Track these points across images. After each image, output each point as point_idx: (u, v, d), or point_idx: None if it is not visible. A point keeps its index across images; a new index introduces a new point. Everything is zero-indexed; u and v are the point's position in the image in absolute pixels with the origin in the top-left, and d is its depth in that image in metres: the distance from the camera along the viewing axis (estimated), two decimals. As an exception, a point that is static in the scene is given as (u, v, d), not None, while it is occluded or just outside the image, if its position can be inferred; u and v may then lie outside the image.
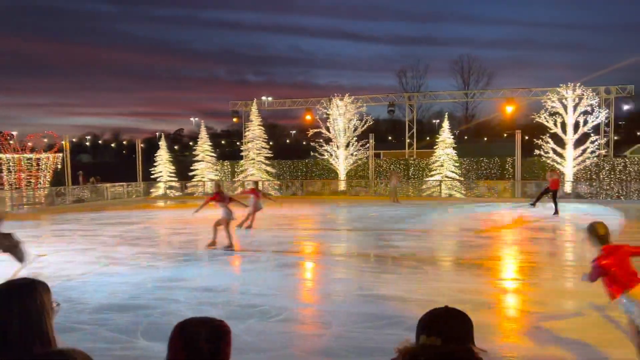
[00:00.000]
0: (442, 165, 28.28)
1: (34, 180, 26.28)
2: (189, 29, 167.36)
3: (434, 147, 29.34)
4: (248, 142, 31.41)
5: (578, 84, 25.60)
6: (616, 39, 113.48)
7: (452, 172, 28.25)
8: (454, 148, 28.75)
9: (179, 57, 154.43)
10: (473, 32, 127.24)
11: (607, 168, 26.44)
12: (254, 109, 31.55)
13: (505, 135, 55.69)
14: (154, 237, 14.88)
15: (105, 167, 53.75)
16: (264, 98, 36.91)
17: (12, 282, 1.68)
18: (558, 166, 25.55)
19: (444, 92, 38.85)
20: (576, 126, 25.56)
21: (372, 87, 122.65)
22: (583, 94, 25.37)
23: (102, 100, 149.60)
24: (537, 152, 26.00)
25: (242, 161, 31.93)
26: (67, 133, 29.92)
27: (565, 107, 25.67)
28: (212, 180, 32.05)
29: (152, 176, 32.37)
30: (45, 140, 29.94)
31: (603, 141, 28.11)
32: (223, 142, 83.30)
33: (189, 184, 32.17)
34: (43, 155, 26.81)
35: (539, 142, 25.73)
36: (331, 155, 29.85)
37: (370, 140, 29.51)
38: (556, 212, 17.82)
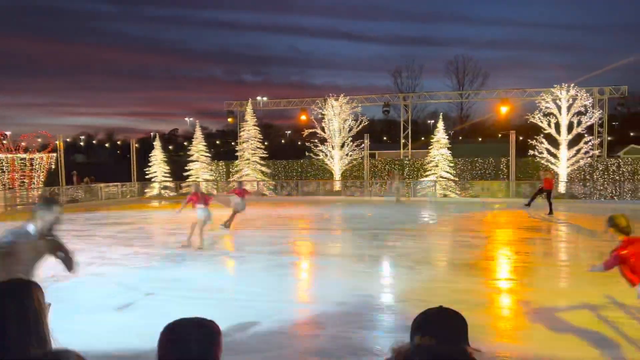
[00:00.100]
0: (436, 166, 28.33)
1: (28, 180, 26.16)
2: (186, 28, 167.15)
3: (429, 148, 29.39)
4: (243, 142, 31.37)
5: (572, 85, 25.74)
6: (610, 40, 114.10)
7: (447, 172, 28.31)
8: (448, 148, 28.81)
9: (175, 57, 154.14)
10: (468, 32, 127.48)
11: (600, 168, 26.58)
12: (249, 109, 31.51)
13: (499, 135, 55.92)
14: (149, 237, 14.83)
15: (100, 167, 53.55)
16: (259, 98, 36.90)
17: (9, 282, 1.68)
18: (552, 166, 25.67)
19: (439, 93, 38.97)
20: (570, 127, 25.69)
21: (368, 88, 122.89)
22: (577, 95, 25.52)
23: (97, 100, 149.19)
24: (531, 152, 26.13)
25: (237, 161, 31.88)
26: (61, 133, 29.80)
27: (559, 108, 25.81)
28: (207, 180, 32.03)
29: (146, 176, 32.28)
30: (39, 140, 29.78)
31: (597, 142, 28.25)
32: (218, 142, 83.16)
33: (183, 184, 32.08)
34: (37, 155, 26.69)
35: (533, 142, 25.85)
36: (326, 155, 29.87)
37: (365, 141, 29.53)
38: (550, 212, 17.90)
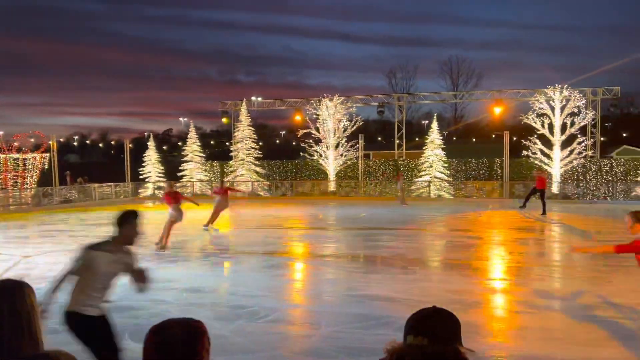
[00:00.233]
0: (431, 166, 28.40)
1: (21, 180, 25.97)
2: (180, 28, 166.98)
3: (423, 148, 29.46)
4: (237, 143, 31.32)
5: (565, 86, 25.88)
6: (603, 41, 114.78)
7: (441, 172, 28.39)
8: (442, 149, 28.89)
9: (169, 57, 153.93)
10: (462, 33, 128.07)
11: (593, 169, 26.74)
12: (243, 109, 31.48)
13: (493, 136, 56.09)
14: (142, 238, 14.75)
15: (93, 167, 53.29)
16: (253, 98, 36.86)
17: (1, 283, 1.67)
18: (545, 167, 25.79)
19: (433, 93, 39.09)
20: (563, 127, 25.83)
21: (363, 88, 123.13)
22: (570, 96, 25.65)
23: (91, 99, 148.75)
24: (524, 153, 26.25)
25: (231, 161, 31.83)
26: (54, 133, 29.65)
27: (552, 109, 25.94)
28: (201, 180, 31.97)
29: (140, 176, 32.16)
30: (32, 140, 29.59)
31: (590, 142, 28.43)
32: (212, 142, 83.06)
33: (177, 184, 32.00)
34: (30, 155, 26.50)
35: (527, 143, 25.96)
36: (321, 155, 29.87)
37: (360, 141, 29.56)
38: (544, 212, 17.97)
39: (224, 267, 10.46)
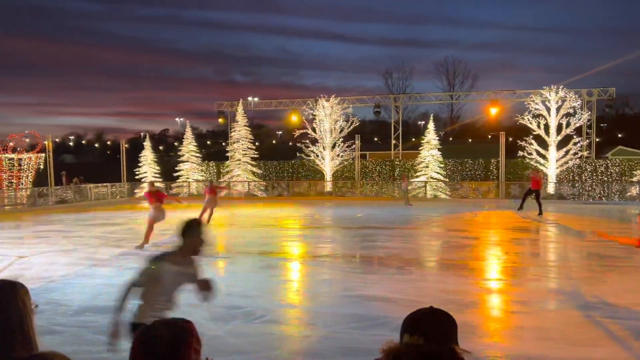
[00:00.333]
0: (427, 167, 28.45)
1: (16, 180, 25.87)
2: (175, 28, 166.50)
3: (420, 149, 29.51)
4: (234, 143, 31.29)
5: (561, 87, 25.99)
6: (599, 42, 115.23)
7: (437, 173, 28.44)
8: (439, 149, 28.95)
9: (164, 57, 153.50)
10: (458, 34, 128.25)
11: (589, 169, 26.85)
12: (239, 110, 31.46)
13: (489, 136, 56.22)
14: (138, 238, 14.71)
15: (89, 167, 53.17)
16: (250, 99, 36.86)
17: None
18: (541, 167, 25.87)
19: (430, 94, 39.15)
20: (559, 128, 25.93)
21: (359, 89, 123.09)
22: (566, 97, 25.75)
23: (86, 99, 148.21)
24: (520, 153, 26.33)
25: (227, 162, 31.80)
26: (49, 133, 29.48)
27: (548, 109, 26.04)
28: (197, 181, 31.91)
29: (136, 177, 32.10)
30: (27, 140, 29.50)
31: (585, 143, 28.53)
32: (209, 142, 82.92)
33: (173, 185, 31.96)
34: (25, 156, 26.41)
35: (523, 143, 26.04)
36: (317, 156, 29.87)
37: (356, 141, 29.58)
38: (540, 212, 18.02)
39: (219, 267, 10.44)
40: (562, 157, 25.90)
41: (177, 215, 18.93)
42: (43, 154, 27.10)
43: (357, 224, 16.87)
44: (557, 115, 25.89)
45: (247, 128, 31.57)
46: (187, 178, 31.87)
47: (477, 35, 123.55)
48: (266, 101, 37.33)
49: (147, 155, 32.52)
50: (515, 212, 19.17)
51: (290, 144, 57.45)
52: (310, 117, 30.24)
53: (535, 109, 26.02)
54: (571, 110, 25.69)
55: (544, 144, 26.24)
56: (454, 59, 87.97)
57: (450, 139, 66.98)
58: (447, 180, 28.75)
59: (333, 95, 30.04)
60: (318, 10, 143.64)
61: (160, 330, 1.30)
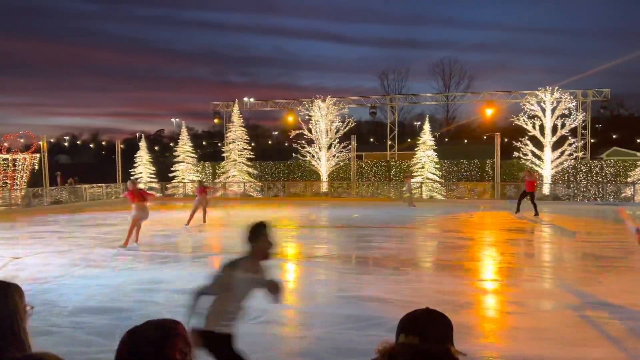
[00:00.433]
0: (423, 167, 28.49)
1: (10, 181, 25.74)
2: (171, 28, 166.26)
3: (415, 149, 29.55)
4: (230, 143, 31.25)
5: (556, 88, 26.08)
6: (594, 44, 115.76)
7: (433, 173, 28.48)
8: (434, 150, 28.99)
9: (160, 57, 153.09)
10: (454, 35, 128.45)
11: (584, 170, 26.95)
12: (235, 110, 31.41)
13: (485, 137, 56.36)
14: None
15: (84, 168, 52.99)
16: (245, 99, 36.80)
17: None
18: (537, 168, 25.96)
19: (425, 95, 39.22)
20: (554, 129, 26.02)
21: (355, 89, 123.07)
22: (561, 98, 25.84)
23: (82, 100, 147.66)
24: (516, 154, 26.40)
25: (223, 162, 31.76)
26: (44, 133, 29.39)
27: (543, 110, 26.12)
28: (193, 181, 31.85)
29: (131, 177, 32.00)
30: (22, 140, 29.33)
31: (580, 144, 28.64)
32: (204, 143, 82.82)
33: (169, 185, 31.89)
34: (20, 156, 26.28)
35: (518, 144, 26.13)
36: (313, 156, 29.86)
37: (352, 142, 29.60)
38: (536, 213, 18.06)
39: (215, 267, 10.42)
40: (558, 158, 25.99)
41: (173, 216, 18.95)
42: (38, 155, 26.97)
43: (353, 225, 16.87)
44: (552, 116, 25.98)
45: (243, 128, 31.53)
46: (183, 179, 31.80)
47: (473, 36, 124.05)
48: (262, 102, 37.31)
49: (143, 156, 32.43)
50: (512, 214, 19.21)
51: (286, 144, 57.45)
52: (306, 117, 30.23)
53: (531, 110, 26.11)
54: (566, 112, 25.78)
55: (539, 144, 26.32)
56: (449, 60, 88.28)
57: (446, 139, 67.08)
58: (443, 181, 28.79)
59: (329, 96, 30.07)
60: (315, 11, 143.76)
61: (146, 331, 1.29)
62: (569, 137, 25.81)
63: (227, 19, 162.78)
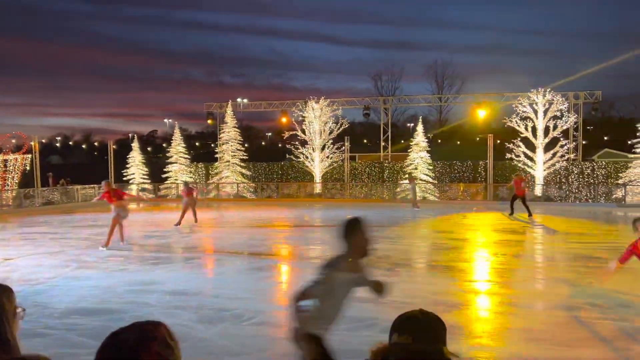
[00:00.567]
0: (416, 169, 28.55)
1: (1, 182, 25.56)
2: (165, 29, 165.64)
3: (409, 151, 29.62)
4: (223, 144, 31.18)
5: (548, 90, 26.23)
6: (585, 46, 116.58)
7: (426, 174, 28.56)
8: (427, 151, 29.07)
9: (153, 58, 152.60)
10: (447, 37, 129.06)
11: (575, 172, 27.12)
12: (229, 111, 31.35)
13: (477, 139, 56.59)
14: (125, 239, 14.61)
15: (76, 168, 52.68)
16: (239, 100, 36.76)
17: None
18: (529, 169, 26.11)
19: (419, 96, 39.30)
20: (546, 130, 26.17)
21: (348, 90, 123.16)
22: (553, 99, 25.99)
23: (74, 100, 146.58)
24: (508, 155, 26.53)
25: (216, 163, 31.68)
26: (36, 134, 29.22)
27: (535, 112, 26.26)
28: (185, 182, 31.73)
29: (124, 178, 31.87)
30: (14, 141, 29.16)
31: (572, 145, 28.82)
32: (197, 144, 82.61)
33: (162, 186, 31.76)
34: (11, 157, 26.09)
35: (511, 146, 26.25)
36: (307, 157, 29.86)
37: (346, 143, 29.62)
38: (530, 214, 18.13)
39: (208, 269, 10.39)
40: (550, 160, 26.14)
41: (165, 217, 18.88)
42: (29, 155, 26.80)
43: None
44: (544, 118, 26.13)
45: (237, 129, 31.48)
46: (176, 179, 31.69)
47: (466, 38, 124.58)
48: (255, 102, 37.26)
49: (135, 157, 32.30)
50: (505, 215, 19.28)
51: (280, 145, 57.42)
52: (300, 118, 30.24)
53: (523, 112, 26.25)
54: (558, 113, 25.94)
55: (531, 146, 26.46)
56: (442, 62, 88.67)
57: (439, 141, 67.33)
58: (436, 182, 28.88)
59: (322, 97, 30.08)
60: (309, 12, 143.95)
61: (125, 334, 1.27)
62: (561, 139, 25.97)
63: (221, 20, 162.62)
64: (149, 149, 73.70)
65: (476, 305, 7.49)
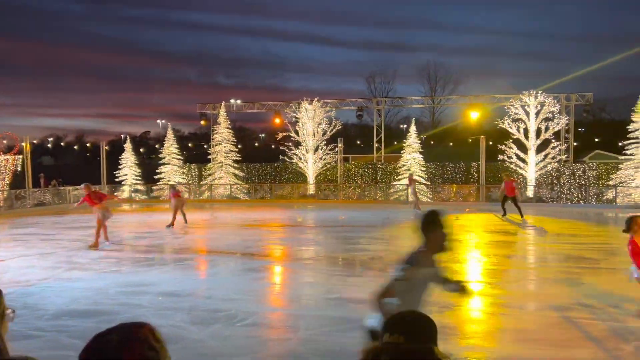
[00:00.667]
0: (409, 170, 28.62)
1: (-8, 182, 25.36)
2: (158, 29, 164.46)
3: (402, 152, 29.70)
4: (216, 145, 31.11)
5: (540, 92, 26.39)
6: (577, 48, 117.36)
7: (419, 176, 28.64)
8: (420, 153, 29.16)
9: (147, 58, 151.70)
10: (440, 38, 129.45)
11: (567, 173, 27.30)
12: (222, 112, 31.29)
13: (470, 140, 56.80)
14: (118, 241, 14.54)
15: (68, 169, 52.38)
16: (232, 101, 36.74)
17: None
18: (521, 171, 26.25)
19: (412, 98, 39.39)
20: (538, 132, 26.33)
21: (342, 92, 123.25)
22: (544, 101, 26.16)
23: (66, 101, 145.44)
24: (500, 157, 26.67)
25: (209, 164, 31.61)
26: (27, 134, 28.99)
27: (527, 114, 26.42)
28: (179, 183, 31.65)
29: (116, 179, 31.72)
30: (5, 141, 28.90)
31: (563, 147, 29.00)
32: (190, 145, 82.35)
33: (154, 187, 31.64)
34: (2, 158, 25.89)
35: (503, 147, 26.39)
36: (300, 159, 29.86)
37: (339, 145, 29.65)
38: (522, 215, 18.20)
39: (201, 270, 10.37)
40: (541, 161, 26.30)
41: (158, 218, 18.82)
42: (20, 156, 26.60)
43: (340, 227, 16.90)
44: (536, 120, 26.29)
45: (230, 130, 31.42)
46: (169, 180, 31.57)
47: (459, 40, 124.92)
48: (249, 103, 37.21)
49: (128, 158, 32.16)
50: (497, 216, 19.38)
51: (273, 146, 57.37)
52: (293, 119, 30.23)
53: (515, 114, 26.41)
54: (550, 115, 26.10)
55: (523, 147, 26.61)
56: (435, 64, 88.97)
57: (432, 142, 67.52)
58: (429, 183, 28.97)
59: (316, 98, 30.10)
60: (303, 13, 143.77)
61: (110, 335, 1.27)
62: (553, 141, 26.12)
63: (215, 21, 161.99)
64: (141, 150, 73.38)
65: (468, 306, 7.52)
